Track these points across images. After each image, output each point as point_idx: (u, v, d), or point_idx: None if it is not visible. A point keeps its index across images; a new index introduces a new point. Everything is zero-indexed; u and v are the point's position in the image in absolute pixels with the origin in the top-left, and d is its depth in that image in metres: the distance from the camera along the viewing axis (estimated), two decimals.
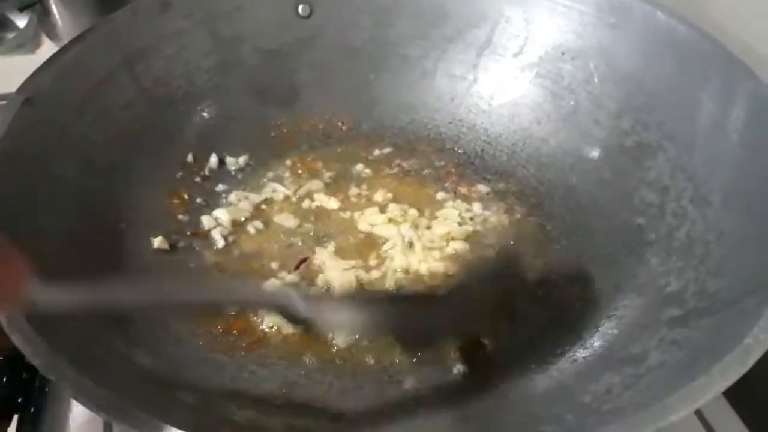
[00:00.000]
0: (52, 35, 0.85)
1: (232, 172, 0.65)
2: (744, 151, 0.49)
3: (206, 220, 0.60)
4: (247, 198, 0.62)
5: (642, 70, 0.58)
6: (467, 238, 0.59)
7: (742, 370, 0.34)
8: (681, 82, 0.55)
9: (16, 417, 0.50)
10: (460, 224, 0.60)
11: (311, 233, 0.59)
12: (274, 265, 0.57)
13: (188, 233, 0.59)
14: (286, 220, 0.61)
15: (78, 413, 0.50)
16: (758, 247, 0.44)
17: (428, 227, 0.59)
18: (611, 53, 0.60)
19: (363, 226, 0.60)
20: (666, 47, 0.57)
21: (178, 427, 0.33)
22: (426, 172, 0.65)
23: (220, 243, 0.58)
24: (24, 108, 0.50)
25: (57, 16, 0.82)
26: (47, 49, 0.85)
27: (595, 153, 0.61)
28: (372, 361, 0.50)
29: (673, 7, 0.57)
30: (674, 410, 0.33)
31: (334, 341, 0.51)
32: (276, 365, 0.50)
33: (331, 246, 0.58)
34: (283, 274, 0.56)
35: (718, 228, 0.48)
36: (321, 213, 0.61)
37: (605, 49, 0.61)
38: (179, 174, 0.63)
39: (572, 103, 0.63)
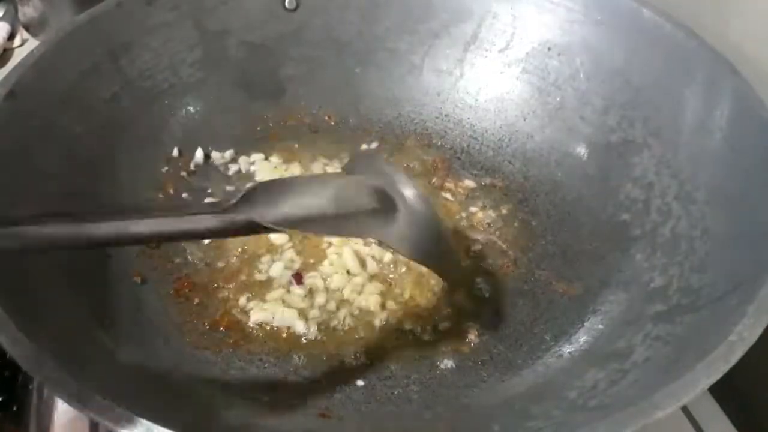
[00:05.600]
0: (30, 27, 0.84)
1: (218, 167, 0.64)
2: (728, 149, 0.50)
3: None
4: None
5: (628, 67, 0.59)
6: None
7: (726, 368, 0.35)
8: (666, 79, 0.56)
9: None
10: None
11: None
12: (262, 260, 0.56)
13: None
14: None
15: (62, 411, 0.50)
16: (742, 243, 0.45)
17: None
18: (597, 50, 0.61)
19: None
20: (651, 44, 0.57)
21: (165, 426, 0.33)
22: (413, 167, 0.65)
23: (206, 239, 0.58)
24: (6, 101, 0.49)
25: (34, 8, 0.81)
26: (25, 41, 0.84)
27: (580, 149, 0.62)
28: (361, 359, 0.50)
29: (659, 5, 0.57)
30: (660, 407, 0.34)
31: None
32: (264, 362, 0.50)
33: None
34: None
35: (702, 225, 0.49)
36: None
37: (591, 45, 0.61)
38: (164, 169, 0.62)
39: (558, 99, 0.64)
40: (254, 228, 0.37)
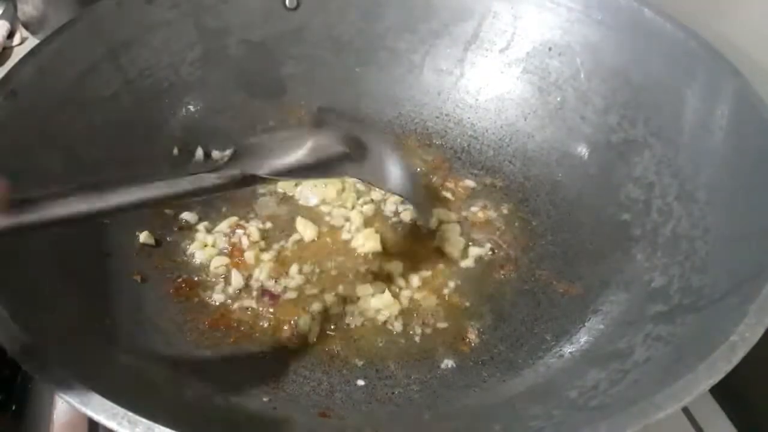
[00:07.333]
0: (29, 25, 0.84)
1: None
2: (728, 149, 0.50)
3: (192, 216, 0.59)
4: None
5: (628, 67, 0.59)
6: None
7: (727, 368, 0.35)
8: (667, 78, 0.56)
9: None
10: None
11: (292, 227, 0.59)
12: (264, 257, 0.56)
13: (175, 228, 0.58)
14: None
15: (62, 411, 0.50)
16: (742, 244, 0.44)
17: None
18: (598, 50, 0.61)
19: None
20: (652, 44, 0.57)
21: (166, 425, 0.33)
22: (414, 166, 0.65)
23: (207, 238, 0.58)
24: (6, 100, 0.49)
25: (34, 6, 0.81)
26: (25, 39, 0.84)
27: (581, 149, 0.62)
28: (361, 359, 0.50)
29: (660, 5, 0.57)
30: (661, 408, 0.34)
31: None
32: (264, 361, 0.50)
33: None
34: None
35: (703, 225, 0.49)
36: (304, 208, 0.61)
37: (592, 45, 0.61)
38: (165, 168, 0.62)
39: (559, 98, 0.63)
40: (249, 180, 0.41)
